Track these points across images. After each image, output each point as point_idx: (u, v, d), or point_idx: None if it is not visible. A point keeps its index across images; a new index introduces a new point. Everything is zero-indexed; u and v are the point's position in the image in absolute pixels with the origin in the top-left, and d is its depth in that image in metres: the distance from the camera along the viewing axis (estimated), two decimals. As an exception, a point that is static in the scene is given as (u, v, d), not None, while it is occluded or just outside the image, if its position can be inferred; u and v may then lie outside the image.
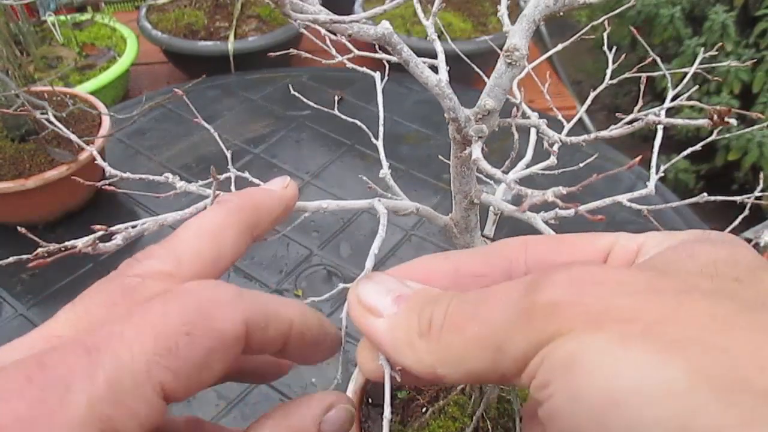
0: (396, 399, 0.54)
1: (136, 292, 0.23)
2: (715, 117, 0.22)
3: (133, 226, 0.28)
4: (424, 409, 0.53)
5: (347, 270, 0.90)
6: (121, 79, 1.30)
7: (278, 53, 0.52)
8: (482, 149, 0.27)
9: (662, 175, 0.40)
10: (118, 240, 0.26)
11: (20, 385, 0.18)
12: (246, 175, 0.36)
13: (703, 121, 0.24)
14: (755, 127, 0.42)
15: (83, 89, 1.17)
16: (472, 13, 1.54)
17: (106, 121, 0.95)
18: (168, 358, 0.20)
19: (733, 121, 0.22)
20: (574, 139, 0.27)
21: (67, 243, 0.25)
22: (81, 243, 0.25)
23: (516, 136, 0.38)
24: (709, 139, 0.42)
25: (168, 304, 0.21)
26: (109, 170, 0.30)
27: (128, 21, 1.51)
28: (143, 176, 0.31)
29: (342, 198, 1.11)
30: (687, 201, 0.38)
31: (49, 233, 0.95)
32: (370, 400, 0.54)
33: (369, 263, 0.28)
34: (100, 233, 0.25)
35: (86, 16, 1.50)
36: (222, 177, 0.31)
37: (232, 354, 0.22)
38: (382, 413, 0.22)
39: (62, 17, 1.43)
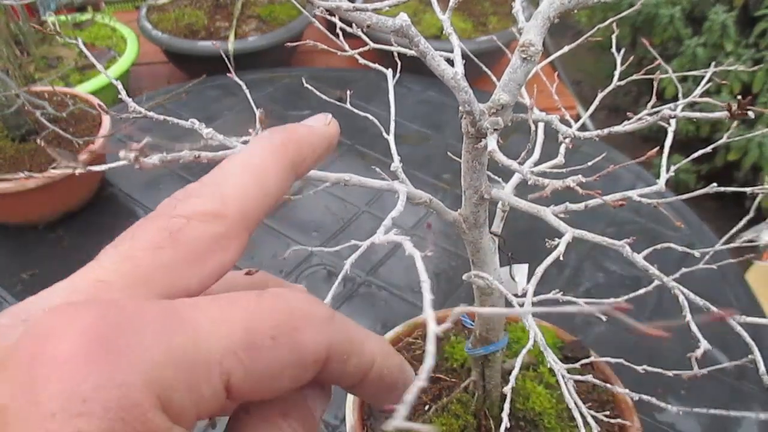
0: (396, 398, 0.54)
1: (183, 234, 0.21)
2: (734, 108, 0.22)
3: (168, 152, 0.27)
4: (426, 407, 0.53)
5: (345, 267, 0.89)
6: (121, 79, 1.30)
7: (293, 44, 0.52)
8: (498, 141, 0.27)
9: (672, 174, 0.40)
10: (155, 159, 0.26)
11: (93, 321, 0.17)
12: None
13: (721, 114, 0.23)
14: (763, 131, 0.42)
15: (83, 89, 1.17)
16: (472, 13, 1.54)
17: (106, 121, 0.95)
18: (247, 354, 0.19)
19: (751, 114, 0.22)
20: (587, 134, 0.27)
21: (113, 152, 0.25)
22: (124, 153, 0.25)
23: (533, 128, 0.38)
24: (721, 141, 0.42)
25: (262, 301, 0.20)
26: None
27: (128, 21, 1.51)
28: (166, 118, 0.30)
29: (343, 197, 1.11)
30: (697, 192, 0.38)
31: (50, 233, 0.95)
32: (370, 400, 0.54)
33: (387, 221, 0.28)
34: (143, 144, 0.25)
35: (86, 16, 1.50)
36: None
37: (305, 375, 0.21)
38: (384, 411, 0.22)
39: (62, 17, 1.43)
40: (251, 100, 0.38)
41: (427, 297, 0.20)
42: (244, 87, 0.37)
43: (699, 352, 0.26)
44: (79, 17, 1.49)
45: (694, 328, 0.27)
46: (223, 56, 0.41)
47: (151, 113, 0.32)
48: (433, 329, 0.18)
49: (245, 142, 0.33)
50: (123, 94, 0.31)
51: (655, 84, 0.39)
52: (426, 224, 0.87)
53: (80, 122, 0.96)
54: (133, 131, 1.02)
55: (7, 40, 1.01)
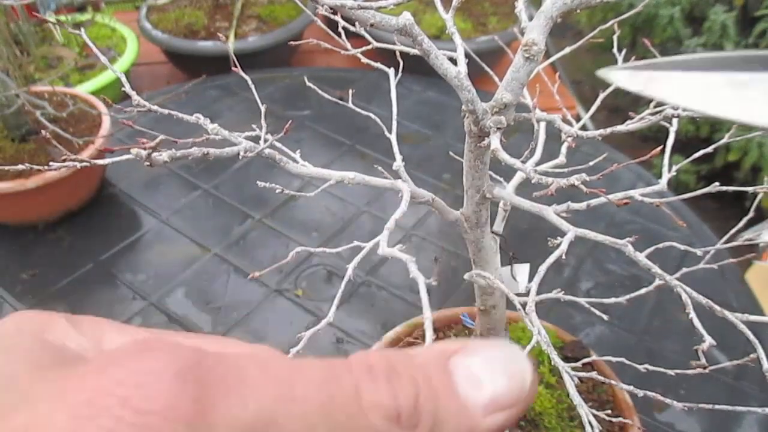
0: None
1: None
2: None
3: (177, 149, 0.28)
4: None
5: (347, 270, 0.89)
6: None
7: (295, 43, 0.52)
8: (500, 141, 0.27)
9: (673, 174, 0.40)
10: (165, 156, 0.27)
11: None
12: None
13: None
14: (759, 132, 0.42)
15: (83, 89, 1.17)
16: (471, 13, 1.54)
17: (105, 121, 0.95)
18: None
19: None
20: (590, 133, 0.28)
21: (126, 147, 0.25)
22: (136, 149, 0.25)
23: (536, 127, 0.39)
24: (723, 141, 0.41)
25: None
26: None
27: (128, 21, 1.51)
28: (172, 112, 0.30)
29: (342, 197, 1.11)
30: (699, 192, 0.38)
31: (50, 233, 0.95)
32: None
33: (390, 222, 0.28)
34: (155, 141, 0.25)
35: (86, 16, 1.50)
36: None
37: None
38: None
39: (62, 17, 1.43)
40: (257, 97, 0.38)
41: (428, 312, 0.20)
42: (250, 82, 0.38)
43: (705, 346, 0.26)
44: (78, 17, 1.50)
45: (697, 324, 0.27)
46: (228, 55, 0.41)
47: (155, 107, 0.32)
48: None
49: (248, 138, 0.33)
50: (127, 87, 0.32)
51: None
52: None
53: (80, 122, 0.96)
54: (133, 128, 1.01)
55: (7, 40, 1.01)
